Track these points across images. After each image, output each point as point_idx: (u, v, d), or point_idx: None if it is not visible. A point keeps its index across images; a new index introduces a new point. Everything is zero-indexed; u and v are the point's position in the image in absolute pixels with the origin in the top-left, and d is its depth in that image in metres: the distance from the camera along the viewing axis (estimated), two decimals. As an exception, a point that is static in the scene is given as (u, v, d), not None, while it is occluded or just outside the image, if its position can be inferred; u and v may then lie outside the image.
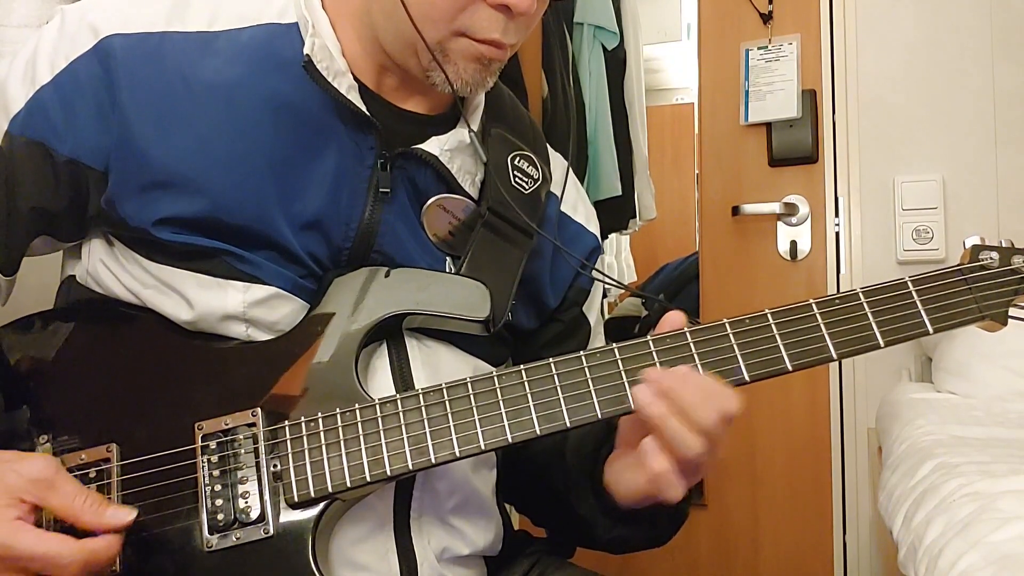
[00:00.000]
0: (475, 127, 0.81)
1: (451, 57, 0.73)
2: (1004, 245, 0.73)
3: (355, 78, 0.76)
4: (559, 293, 0.89)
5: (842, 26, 1.94)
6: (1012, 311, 0.72)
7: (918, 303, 0.71)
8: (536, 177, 0.85)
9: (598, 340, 0.95)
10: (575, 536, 0.87)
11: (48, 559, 0.58)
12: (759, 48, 1.98)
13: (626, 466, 0.72)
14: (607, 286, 0.94)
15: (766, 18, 2.00)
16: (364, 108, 0.75)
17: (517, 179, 0.83)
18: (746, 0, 2.02)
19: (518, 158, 0.84)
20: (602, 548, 0.83)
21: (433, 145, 0.78)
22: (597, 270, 0.91)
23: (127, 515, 0.63)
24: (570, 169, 0.92)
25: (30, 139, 0.71)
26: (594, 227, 0.93)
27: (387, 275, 0.75)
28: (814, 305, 0.71)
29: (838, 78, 1.94)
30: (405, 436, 0.68)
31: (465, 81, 0.74)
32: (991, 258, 0.72)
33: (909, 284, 0.71)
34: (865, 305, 0.71)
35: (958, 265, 0.73)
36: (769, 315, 0.71)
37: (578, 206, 0.92)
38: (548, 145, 0.92)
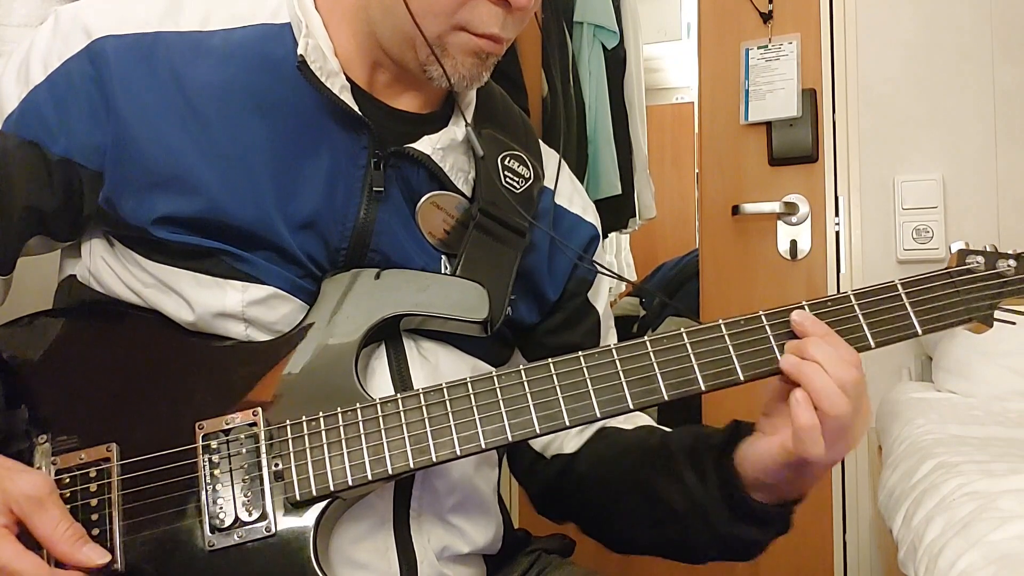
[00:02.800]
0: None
1: (449, 51, 0.74)
2: (988, 250, 0.75)
3: (347, 78, 0.76)
4: (558, 285, 0.89)
5: (842, 26, 1.94)
6: (997, 313, 0.73)
7: (907, 305, 0.72)
8: (527, 176, 0.85)
9: (610, 331, 0.94)
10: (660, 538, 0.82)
11: None
12: (759, 47, 1.98)
13: (760, 436, 0.72)
14: (608, 278, 0.93)
15: (766, 17, 1.99)
16: (356, 108, 0.75)
17: (508, 179, 0.83)
18: (746, -1, 2.02)
19: (508, 158, 0.84)
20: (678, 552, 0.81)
21: (425, 144, 0.78)
22: (595, 262, 0.90)
23: (100, 557, 0.62)
24: (562, 161, 0.92)
25: (23, 139, 0.72)
26: (592, 217, 0.93)
27: (377, 276, 0.75)
28: (807, 307, 0.72)
29: (838, 78, 1.94)
30: (406, 435, 0.68)
31: (462, 75, 0.75)
32: (977, 262, 0.74)
33: (899, 287, 0.73)
34: (856, 307, 0.72)
35: (945, 269, 0.75)
36: (763, 316, 0.72)
37: (573, 198, 0.92)
38: (542, 141, 0.92)
